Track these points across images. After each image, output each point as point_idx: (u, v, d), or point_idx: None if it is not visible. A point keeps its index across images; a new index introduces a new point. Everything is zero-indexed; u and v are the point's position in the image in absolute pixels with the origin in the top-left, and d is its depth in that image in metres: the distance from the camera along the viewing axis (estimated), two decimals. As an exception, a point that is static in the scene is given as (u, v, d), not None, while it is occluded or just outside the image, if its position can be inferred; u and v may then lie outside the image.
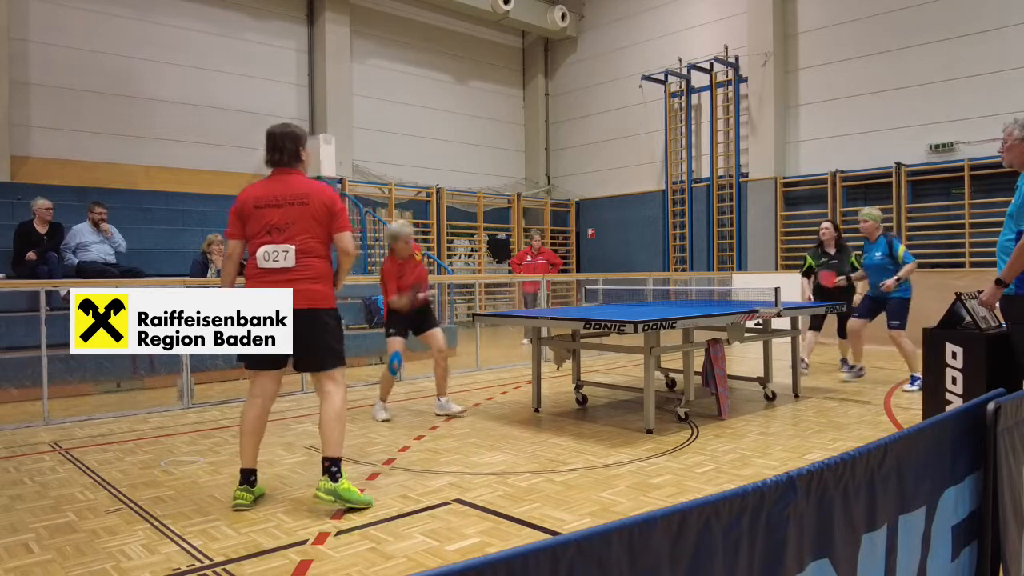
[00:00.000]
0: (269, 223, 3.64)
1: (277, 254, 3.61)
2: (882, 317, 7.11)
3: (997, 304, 3.96)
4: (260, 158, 14.11)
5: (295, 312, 3.47)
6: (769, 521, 1.22)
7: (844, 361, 7.88)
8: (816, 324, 8.11)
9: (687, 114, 14.70)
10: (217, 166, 12.83)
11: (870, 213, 7.15)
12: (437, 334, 5.94)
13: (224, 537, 3.27)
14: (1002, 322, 4.42)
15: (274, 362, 3.70)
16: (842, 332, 7.81)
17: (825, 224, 8.14)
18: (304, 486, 4.03)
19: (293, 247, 3.60)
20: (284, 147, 3.74)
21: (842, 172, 12.35)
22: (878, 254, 6.99)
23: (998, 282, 3.84)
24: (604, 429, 5.40)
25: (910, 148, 11.58)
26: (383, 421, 5.77)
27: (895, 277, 6.74)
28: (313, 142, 12.70)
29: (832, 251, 7.94)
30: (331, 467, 3.61)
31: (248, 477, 3.73)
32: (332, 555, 3.05)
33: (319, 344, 3.62)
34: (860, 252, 7.65)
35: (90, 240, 8.30)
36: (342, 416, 3.68)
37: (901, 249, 6.90)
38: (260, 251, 3.63)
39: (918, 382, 6.75)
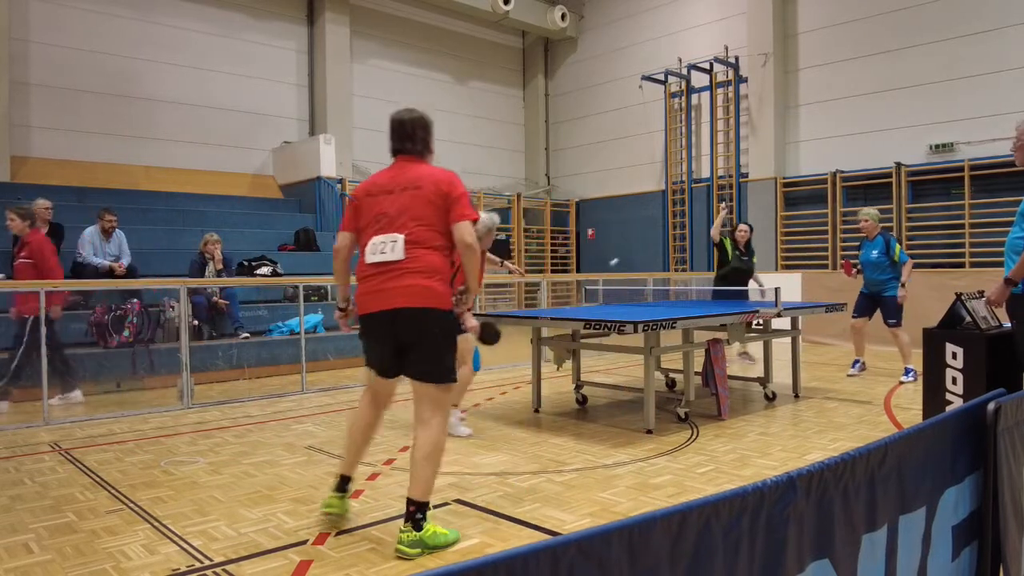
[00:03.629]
0: (379, 211, 3.21)
1: (385, 245, 3.16)
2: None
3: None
4: (260, 158, 14.00)
5: (399, 311, 3.08)
6: (769, 521, 1.22)
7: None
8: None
9: (687, 114, 14.69)
10: (217, 166, 12.83)
11: (870, 213, 7.56)
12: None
13: (224, 537, 3.27)
14: (1002, 322, 4.43)
15: (386, 368, 3.27)
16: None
17: (743, 226, 8.68)
18: (305, 486, 4.03)
19: (402, 236, 3.13)
20: (415, 135, 3.41)
21: (842, 172, 12.35)
22: (875, 252, 7.42)
23: (1007, 281, 3.84)
24: (604, 429, 5.40)
25: (910, 148, 11.57)
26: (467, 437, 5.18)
27: (901, 282, 7.25)
28: (312, 143, 12.71)
29: (743, 250, 8.54)
30: (416, 513, 3.04)
31: (344, 484, 3.38)
32: (332, 555, 3.05)
33: (423, 350, 3.12)
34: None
35: (99, 247, 8.31)
36: (439, 451, 3.11)
37: (898, 248, 7.35)
38: (369, 244, 3.20)
39: (912, 373, 7.40)
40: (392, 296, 3.09)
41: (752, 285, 8.55)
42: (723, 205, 8.76)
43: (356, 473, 3.47)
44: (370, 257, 3.19)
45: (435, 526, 3.11)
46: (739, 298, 7.60)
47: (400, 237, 3.13)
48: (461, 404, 5.52)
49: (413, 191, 3.19)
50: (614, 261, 5.59)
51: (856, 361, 7.97)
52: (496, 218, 5.24)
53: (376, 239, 3.18)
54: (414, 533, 3.02)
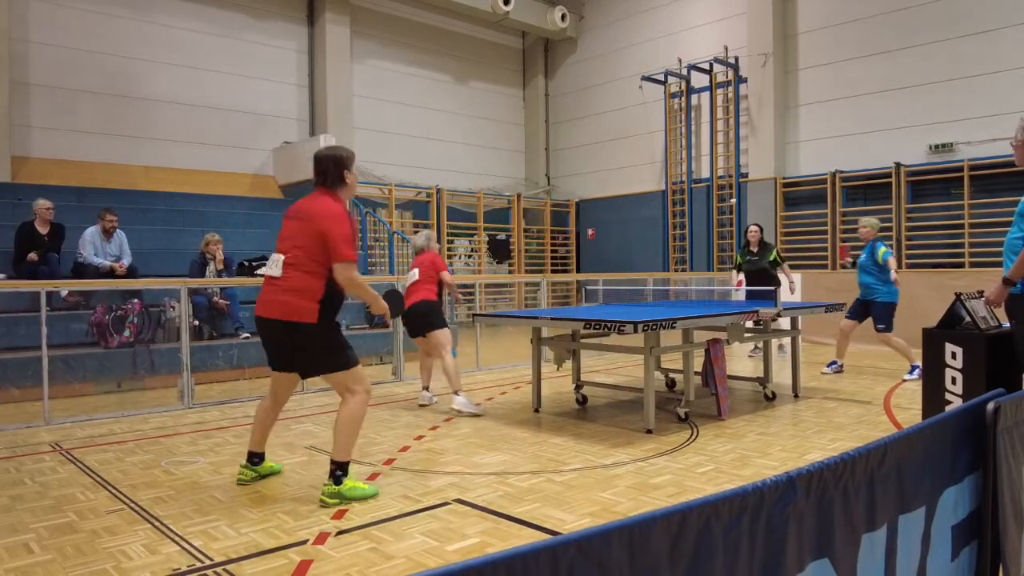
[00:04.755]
0: (282, 233, 3.83)
1: (272, 263, 3.78)
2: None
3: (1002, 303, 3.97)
4: (260, 158, 13.99)
5: (271, 321, 3.71)
6: (769, 521, 1.23)
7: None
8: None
9: (687, 114, 14.70)
10: (217, 166, 12.83)
11: (870, 221, 7.65)
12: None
13: (224, 537, 3.27)
14: (1001, 322, 4.43)
15: (277, 364, 3.94)
16: None
17: (752, 227, 9.24)
18: (305, 486, 4.04)
19: (282, 257, 3.73)
20: (327, 170, 3.83)
21: (842, 172, 12.35)
22: (863, 255, 7.59)
23: (1005, 281, 3.84)
24: (604, 429, 5.40)
25: (910, 148, 11.58)
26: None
27: (893, 278, 7.34)
28: (312, 143, 12.70)
29: (755, 249, 9.02)
30: (336, 471, 3.75)
31: (251, 458, 4.09)
32: (332, 555, 3.05)
33: (305, 354, 3.76)
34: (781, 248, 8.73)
35: (100, 248, 8.31)
36: (352, 422, 3.78)
37: (881, 250, 7.39)
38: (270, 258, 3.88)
39: (917, 370, 7.32)
40: (271, 307, 3.72)
41: (784, 283, 8.73)
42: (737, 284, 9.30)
43: (264, 450, 4.15)
44: (263, 270, 3.96)
45: (354, 482, 3.78)
46: (755, 296, 7.66)
47: (281, 258, 3.74)
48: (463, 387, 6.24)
49: (303, 221, 3.75)
50: None
51: (833, 362, 8.02)
52: (429, 234, 6.61)
53: (272, 255, 3.83)
54: (333, 487, 3.71)
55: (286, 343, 3.74)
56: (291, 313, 3.65)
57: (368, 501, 3.73)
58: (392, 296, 4.72)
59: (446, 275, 6.37)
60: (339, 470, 3.75)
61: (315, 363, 3.77)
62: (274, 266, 3.75)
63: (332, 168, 3.81)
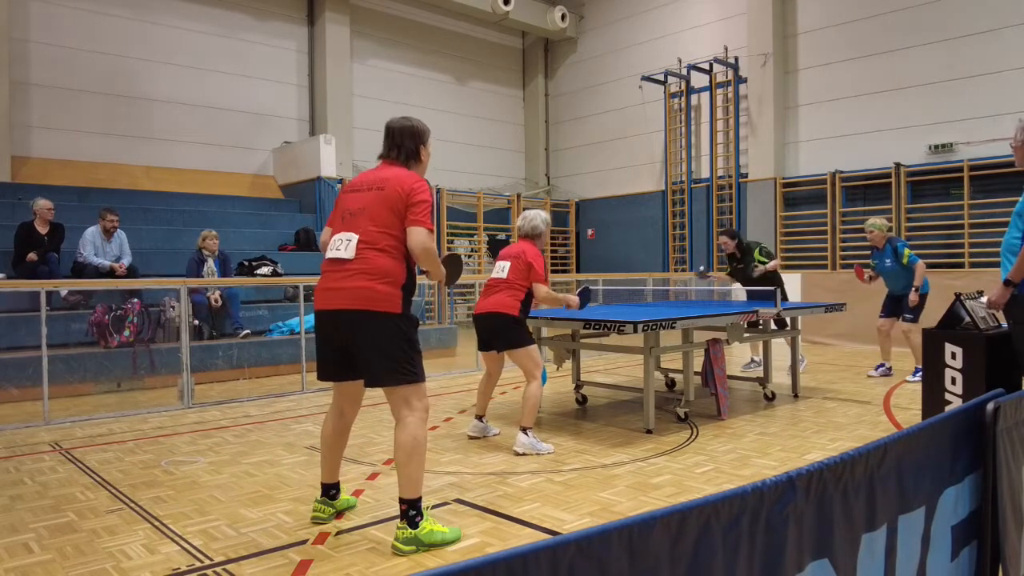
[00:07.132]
0: (346, 208, 3.18)
1: (340, 243, 3.11)
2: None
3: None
4: (260, 158, 13.97)
5: (344, 313, 3.04)
6: (769, 521, 1.23)
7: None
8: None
9: (687, 115, 14.70)
10: (218, 166, 12.83)
11: (876, 224, 7.48)
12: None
13: (224, 537, 3.27)
14: (1001, 323, 4.43)
15: (337, 371, 3.24)
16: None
17: (721, 238, 8.54)
18: (305, 486, 4.04)
19: (356, 236, 3.07)
20: (402, 143, 3.30)
21: (842, 172, 12.35)
22: (888, 261, 7.39)
23: (1006, 283, 3.80)
24: (604, 429, 5.40)
25: (910, 148, 11.58)
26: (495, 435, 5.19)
27: (914, 288, 7.18)
28: (312, 143, 12.71)
29: (739, 255, 8.33)
30: (408, 510, 3.03)
31: (328, 491, 3.43)
32: (332, 555, 3.05)
33: (373, 353, 3.04)
34: (760, 250, 8.24)
35: (100, 247, 8.31)
36: (417, 449, 3.03)
37: (907, 252, 7.23)
38: (332, 239, 3.16)
39: (920, 373, 6.98)
40: (339, 296, 3.06)
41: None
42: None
43: (338, 479, 3.51)
44: (328, 253, 3.17)
45: (433, 524, 3.10)
46: (757, 296, 7.48)
47: (355, 237, 3.08)
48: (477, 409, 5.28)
49: (376, 191, 3.13)
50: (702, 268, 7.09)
51: (880, 365, 7.79)
52: (540, 216, 5.07)
53: (337, 235, 3.15)
54: (409, 530, 3.03)
55: (354, 340, 3.05)
56: (369, 301, 2.99)
57: (448, 546, 3.09)
58: (452, 260, 3.63)
59: (541, 288, 4.80)
60: (411, 509, 3.02)
61: (382, 370, 3.04)
62: (343, 247, 3.07)
63: (407, 142, 3.29)
